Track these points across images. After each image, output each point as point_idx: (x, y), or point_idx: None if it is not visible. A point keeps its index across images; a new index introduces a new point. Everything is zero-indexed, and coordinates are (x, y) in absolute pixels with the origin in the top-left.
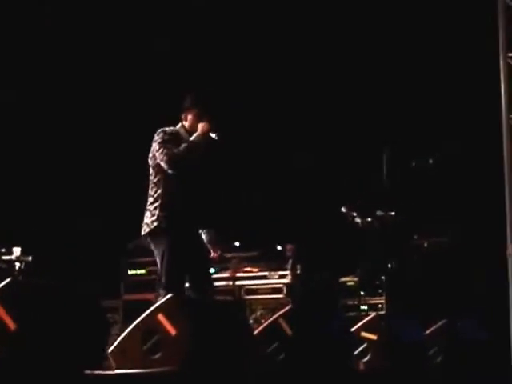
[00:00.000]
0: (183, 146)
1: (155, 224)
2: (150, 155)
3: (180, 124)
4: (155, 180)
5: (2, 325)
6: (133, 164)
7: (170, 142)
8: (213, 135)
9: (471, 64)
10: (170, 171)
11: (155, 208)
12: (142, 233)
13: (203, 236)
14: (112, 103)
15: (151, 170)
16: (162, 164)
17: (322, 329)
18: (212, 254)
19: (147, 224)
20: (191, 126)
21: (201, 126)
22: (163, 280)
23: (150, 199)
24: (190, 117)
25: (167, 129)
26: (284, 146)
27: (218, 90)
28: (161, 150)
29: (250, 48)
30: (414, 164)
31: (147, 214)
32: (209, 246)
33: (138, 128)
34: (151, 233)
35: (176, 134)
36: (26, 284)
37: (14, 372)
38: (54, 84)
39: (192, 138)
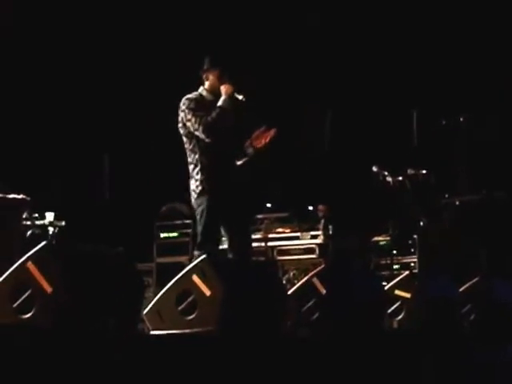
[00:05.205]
0: (214, 113)
1: (200, 188)
2: (180, 124)
3: (202, 87)
4: (190, 147)
5: (38, 288)
6: (164, 129)
7: (198, 109)
8: (239, 97)
9: (503, 22)
10: (207, 140)
11: (197, 173)
12: (192, 200)
13: (246, 149)
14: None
15: (184, 139)
16: (198, 134)
17: (355, 287)
18: (258, 143)
19: (194, 190)
20: (212, 86)
21: (224, 89)
22: (198, 239)
23: (191, 166)
24: (211, 77)
25: (190, 96)
26: (311, 103)
27: (235, 49)
28: (193, 119)
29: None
30: (443, 122)
31: (192, 181)
32: (253, 140)
33: (164, 96)
34: (197, 198)
35: (200, 98)
36: (60, 248)
37: (50, 335)
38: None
39: (219, 103)
